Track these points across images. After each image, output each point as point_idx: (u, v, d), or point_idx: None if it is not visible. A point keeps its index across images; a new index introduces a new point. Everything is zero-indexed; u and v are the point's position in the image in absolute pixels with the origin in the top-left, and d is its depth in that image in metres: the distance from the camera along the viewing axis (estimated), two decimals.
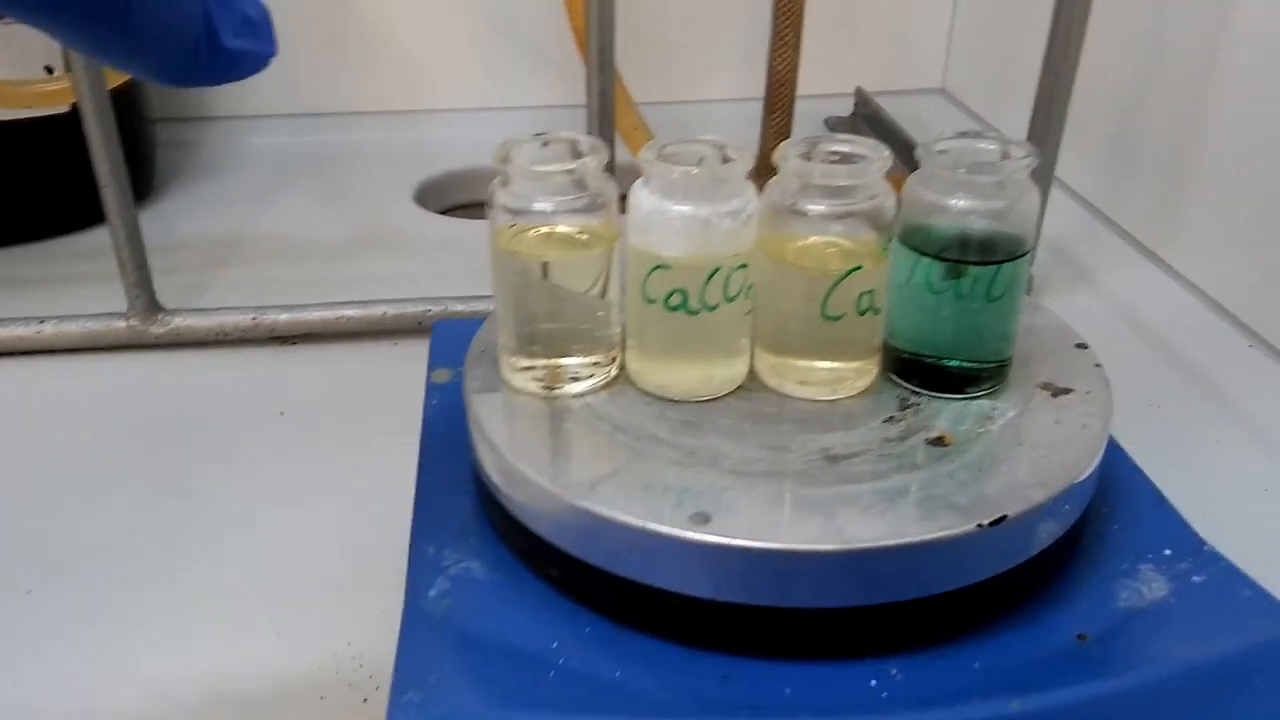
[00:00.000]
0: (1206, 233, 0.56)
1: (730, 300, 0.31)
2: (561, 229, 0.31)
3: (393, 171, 0.73)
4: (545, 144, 0.32)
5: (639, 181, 0.31)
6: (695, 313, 0.31)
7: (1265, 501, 0.42)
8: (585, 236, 0.32)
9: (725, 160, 0.30)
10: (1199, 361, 0.51)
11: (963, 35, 0.84)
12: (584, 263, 0.32)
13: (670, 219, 0.30)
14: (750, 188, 0.31)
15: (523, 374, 0.33)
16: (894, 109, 0.76)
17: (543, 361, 0.33)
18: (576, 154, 0.31)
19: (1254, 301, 0.53)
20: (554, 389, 0.33)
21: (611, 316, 0.33)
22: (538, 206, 0.31)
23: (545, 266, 0.31)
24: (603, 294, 0.32)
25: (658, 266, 0.30)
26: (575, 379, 0.33)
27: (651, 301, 0.31)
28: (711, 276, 0.30)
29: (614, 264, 0.32)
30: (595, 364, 0.33)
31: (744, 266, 0.31)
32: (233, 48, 0.18)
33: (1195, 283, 0.57)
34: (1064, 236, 0.63)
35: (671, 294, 0.31)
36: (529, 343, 0.33)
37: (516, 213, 0.31)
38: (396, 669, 0.28)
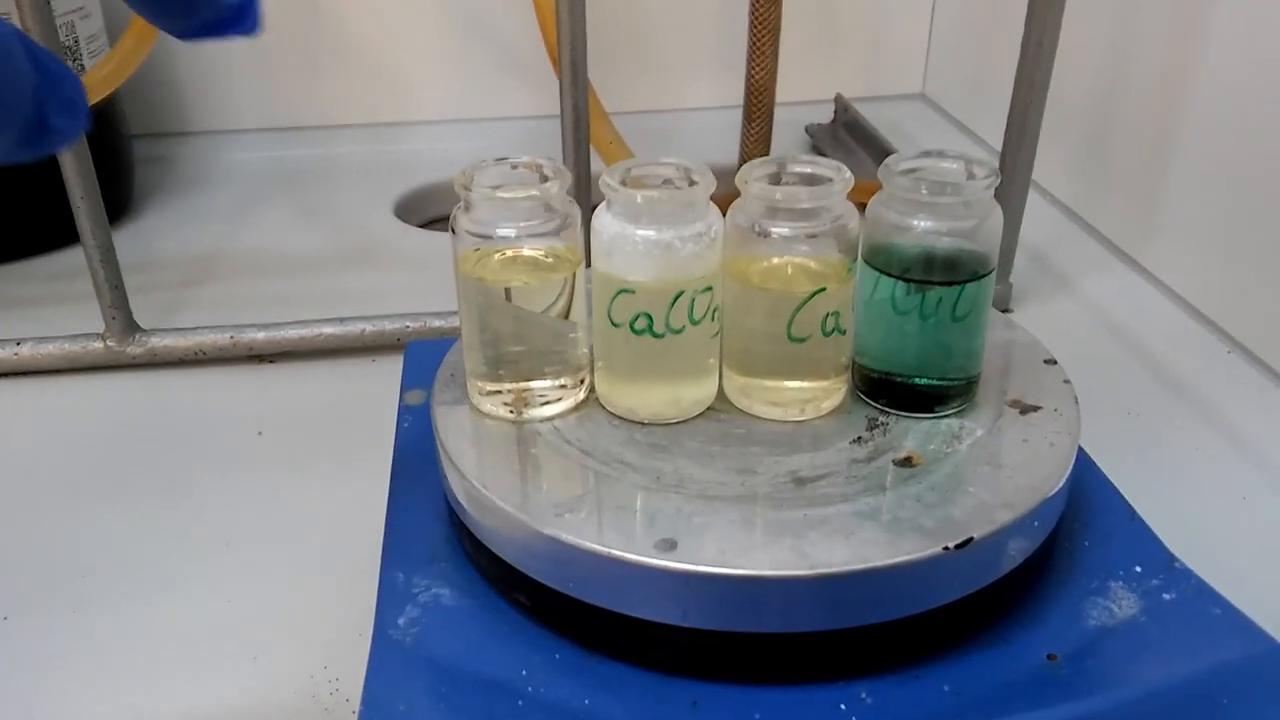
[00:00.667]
0: (1184, 237, 0.56)
1: (696, 323, 0.31)
2: (526, 252, 0.31)
3: (372, 185, 0.73)
4: (513, 167, 0.32)
5: (602, 205, 0.31)
6: (661, 336, 0.31)
7: (1244, 509, 0.42)
8: (550, 259, 0.31)
9: (689, 183, 0.30)
10: (1177, 368, 0.51)
11: (941, 40, 0.84)
12: (548, 286, 0.31)
13: (634, 243, 0.30)
14: (714, 210, 0.31)
15: (491, 398, 0.33)
16: (874, 115, 0.76)
17: (510, 385, 0.33)
18: (542, 177, 0.31)
19: (1232, 307, 0.53)
20: (522, 413, 0.33)
21: (579, 339, 0.33)
22: (501, 232, 0.31)
23: (508, 291, 0.31)
24: (566, 315, 0.32)
25: (622, 291, 0.30)
26: (544, 402, 0.33)
27: (617, 325, 0.31)
28: (676, 300, 0.30)
29: (579, 286, 0.32)
30: (563, 387, 0.33)
31: (709, 289, 0.31)
32: (55, 126, 0.19)
33: (1173, 288, 0.57)
34: (1042, 242, 0.63)
35: (637, 318, 0.30)
36: (496, 367, 0.33)
37: (480, 237, 0.31)
38: (364, 699, 0.28)
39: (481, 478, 0.30)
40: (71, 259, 0.61)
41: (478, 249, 0.31)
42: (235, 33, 0.22)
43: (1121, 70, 0.60)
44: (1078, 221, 0.65)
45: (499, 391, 0.33)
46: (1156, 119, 0.58)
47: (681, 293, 0.30)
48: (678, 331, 0.31)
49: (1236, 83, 0.52)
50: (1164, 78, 0.57)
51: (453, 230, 0.31)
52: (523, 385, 0.33)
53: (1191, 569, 0.31)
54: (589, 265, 0.32)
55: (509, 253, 0.32)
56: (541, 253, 0.32)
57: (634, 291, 0.30)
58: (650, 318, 0.30)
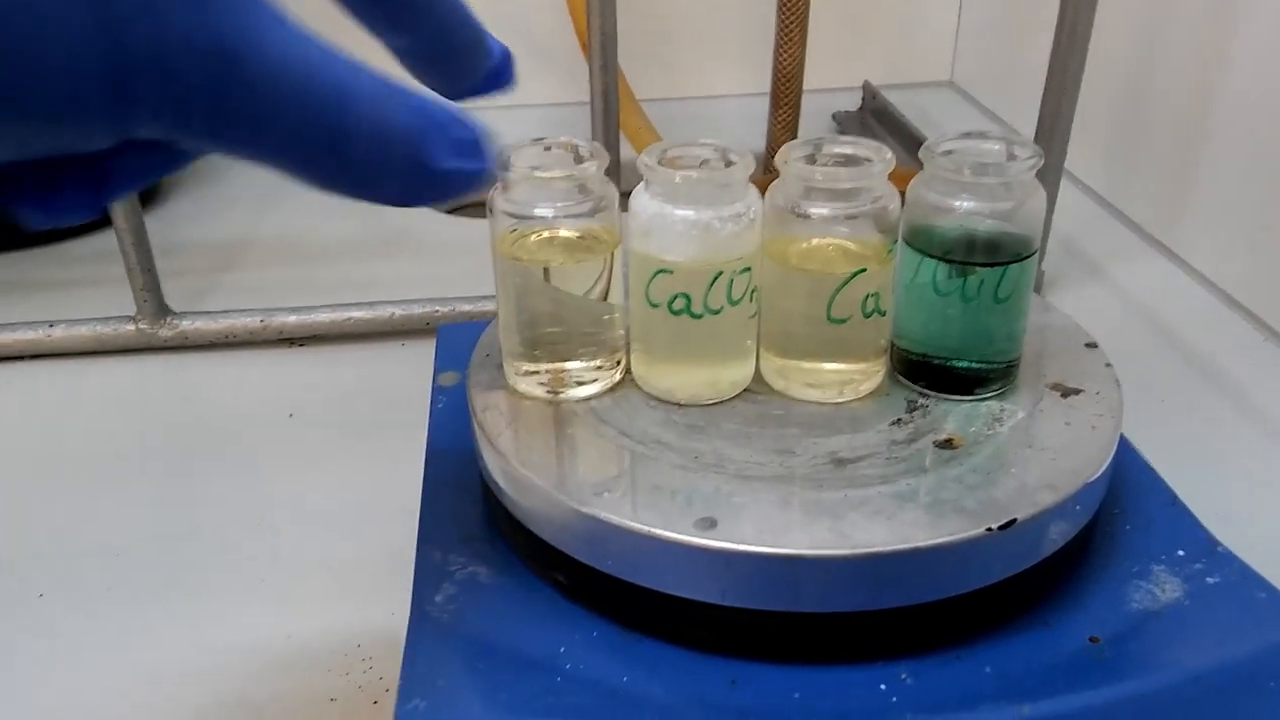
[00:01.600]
0: (1217, 224, 0.56)
1: (734, 303, 0.31)
2: (563, 233, 0.31)
3: None
4: (547, 148, 0.32)
5: (640, 186, 0.31)
6: (699, 316, 0.31)
7: None
8: (587, 240, 0.31)
9: (727, 164, 0.30)
10: (1213, 356, 0.51)
11: (970, 27, 0.84)
12: (586, 267, 0.31)
13: (672, 224, 0.30)
14: (753, 191, 0.31)
15: (527, 379, 0.33)
16: (902, 102, 0.76)
17: (547, 366, 0.33)
18: (578, 158, 0.31)
19: (1266, 293, 0.52)
20: (559, 393, 0.33)
21: (615, 319, 0.33)
22: (539, 212, 0.30)
23: (546, 271, 0.31)
24: (604, 297, 0.32)
25: (660, 271, 0.30)
26: (580, 383, 0.33)
27: (655, 306, 0.31)
28: (715, 280, 0.30)
29: (616, 267, 0.32)
30: (599, 368, 0.33)
31: (747, 270, 0.31)
32: (443, 169, 0.19)
33: (1207, 275, 0.57)
34: (1074, 229, 0.62)
35: (675, 298, 0.30)
36: (533, 347, 0.32)
37: (517, 218, 0.31)
38: (403, 675, 0.28)
39: (519, 457, 0.30)
40: (104, 242, 0.61)
41: (515, 229, 0.31)
42: (497, 90, 0.24)
43: (1152, 57, 0.60)
44: (1109, 208, 0.65)
45: (536, 372, 0.33)
46: (1188, 106, 0.57)
47: (720, 273, 0.30)
48: (716, 312, 0.31)
49: (1268, 69, 0.51)
50: (1195, 65, 0.56)
51: (490, 210, 0.31)
52: (559, 366, 0.32)
53: (1234, 553, 0.31)
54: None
55: (546, 234, 0.31)
56: (578, 234, 0.31)
57: (672, 272, 0.30)
58: (688, 298, 0.30)
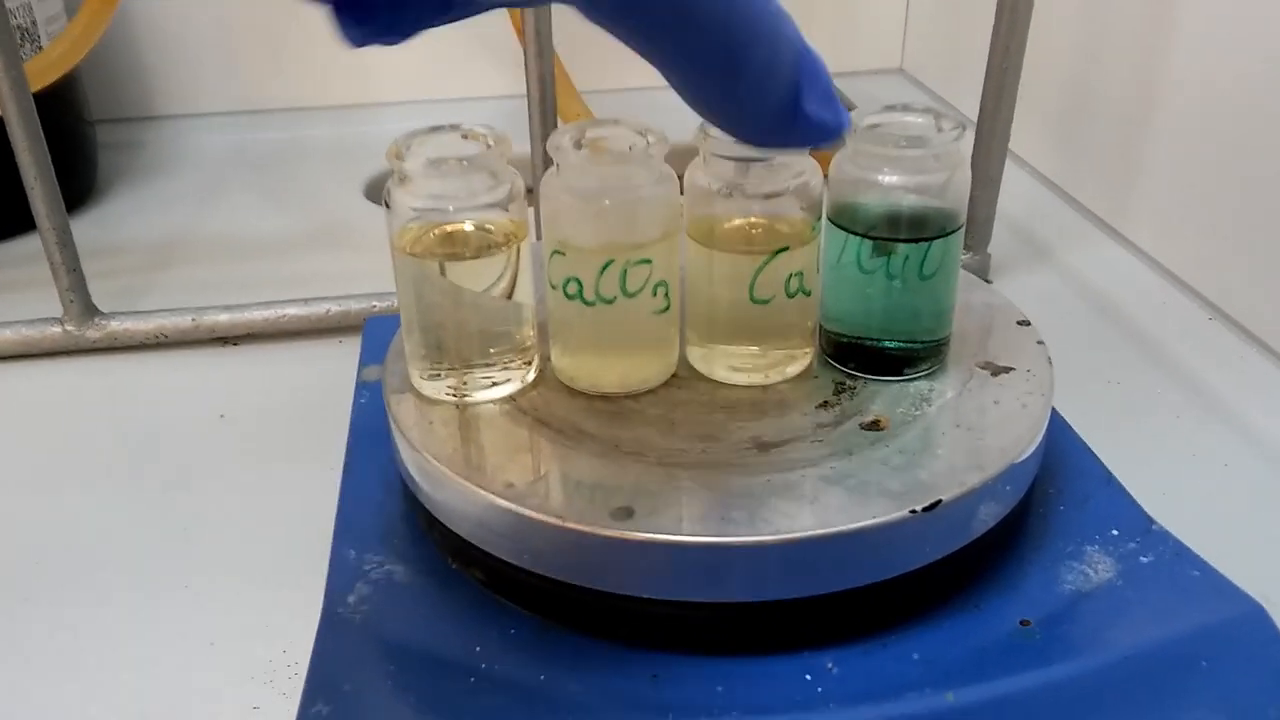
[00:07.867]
0: (1164, 205, 0.56)
1: (630, 295, 0.29)
2: (467, 227, 0.30)
3: (342, 167, 0.72)
4: (464, 136, 0.30)
5: (551, 169, 0.30)
6: (591, 304, 0.29)
7: (1224, 476, 0.41)
8: (492, 234, 0.30)
9: (635, 144, 0.29)
10: (1158, 336, 0.50)
11: (919, 14, 0.83)
12: (490, 262, 0.30)
13: (566, 202, 0.29)
14: (656, 174, 0.29)
15: (432, 382, 0.31)
16: (852, 90, 0.75)
17: (451, 368, 0.31)
18: (485, 145, 0.29)
19: (1213, 274, 0.52)
20: (464, 397, 0.31)
21: (523, 317, 0.31)
22: (438, 205, 0.29)
23: (443, 267, 0.29)
24: (509, 294, 0.30)
25: (556, 252, 0.29)
26: (490, 384, 0.31)
27: (554, 288, 0.30)
28: (605, 268, 0.29)
29: (524, 262, 0.30)
30: (507, 369, 0.31)
31: (646, 261, 0.29)
32: (812, 114, 0.19)
33: (1153, 256, 0.56)
34: (1021, 213, 0.62)
35: (568, 281, 0.29)
36: (436, 350, 0.31)
37: (416, 212, 0.29)
38: (307, 680, 0.27)
39: (432, 449, 0.29)
40: (29, 245, 0.59)
41: (414, 223, 0.29)
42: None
43: (1099, 39, 0.59)
44: (1057, 191, 0.65)
45: (439, 375, 0.31)
46: (1134, 87, 0.57)
47: (610, 261, 0.29)
48: (609, 301, 0.29)
49: (1213, 50, 0.51)
50: (1141, 46, 0.56)
51: (387, 205, 0.30)
52: (464, 368, 0.31)
53: (1170, 531, 0.30)
54: (540, 237, 0.31)
55: (448, 228, 0.30)
56: (483, 226, 0.30)
57: (564, 254, 0.29)
58: (580, 283, 0.29)
